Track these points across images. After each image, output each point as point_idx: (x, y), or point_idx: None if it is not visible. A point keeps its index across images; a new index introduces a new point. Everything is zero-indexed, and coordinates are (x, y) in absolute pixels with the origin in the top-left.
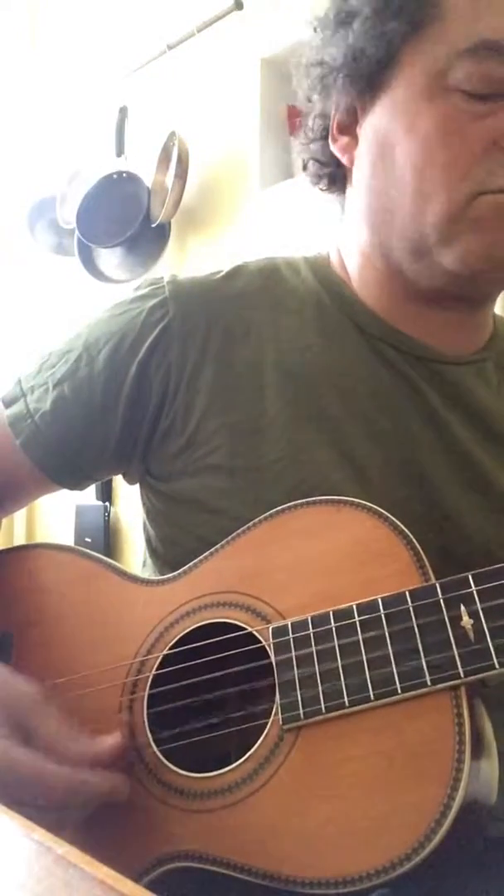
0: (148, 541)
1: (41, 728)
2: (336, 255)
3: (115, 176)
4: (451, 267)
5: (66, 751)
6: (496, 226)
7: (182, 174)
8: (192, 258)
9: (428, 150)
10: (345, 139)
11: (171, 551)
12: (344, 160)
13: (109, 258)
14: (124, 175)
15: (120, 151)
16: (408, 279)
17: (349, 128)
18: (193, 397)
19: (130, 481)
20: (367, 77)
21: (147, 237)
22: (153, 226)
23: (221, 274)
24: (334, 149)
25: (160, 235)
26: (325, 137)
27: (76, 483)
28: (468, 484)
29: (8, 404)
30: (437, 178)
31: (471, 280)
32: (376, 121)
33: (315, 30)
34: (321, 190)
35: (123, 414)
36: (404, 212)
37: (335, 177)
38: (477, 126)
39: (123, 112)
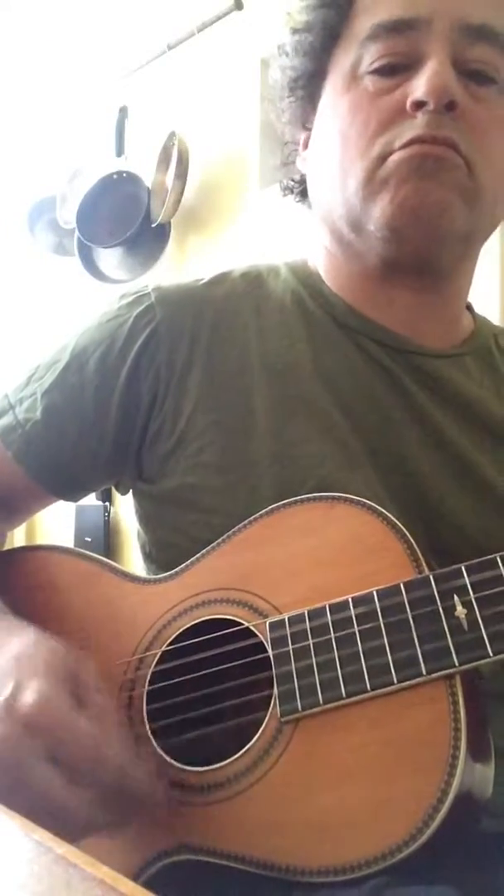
0: (142, 546)
1: (99, 702)
2: (311, 257)
3: (115, 176)
4: (377, 231)
5: (123, 730)
6: (402, 179)
7: (182, 174)
8: (192, 258)
9: (343, 132)
10: (304, 154)
11: (166, 554)
12: (304, 173)
13: (109, 258)
14: (124, 175)
15: (120, 151)
16: (362, 259)
17: (306, 143)
18: (182, 397)
19: (123, 491)
20: (307, 94)
21: (147, 237)
22: (153, 226)
23: (205, 280)
24: (300, 165)
25: (160, 235)
26: (293, 162)
27: (71, 492)
28: (454, 474)
29: None
30: (351, 152)
31: (400, 241)
32: (315, 129)
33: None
34: (295, 201)
35: (116, 419)
36: (335, 192)
37: (306, 191)
38: (385, 99)
39: (123, 112)
